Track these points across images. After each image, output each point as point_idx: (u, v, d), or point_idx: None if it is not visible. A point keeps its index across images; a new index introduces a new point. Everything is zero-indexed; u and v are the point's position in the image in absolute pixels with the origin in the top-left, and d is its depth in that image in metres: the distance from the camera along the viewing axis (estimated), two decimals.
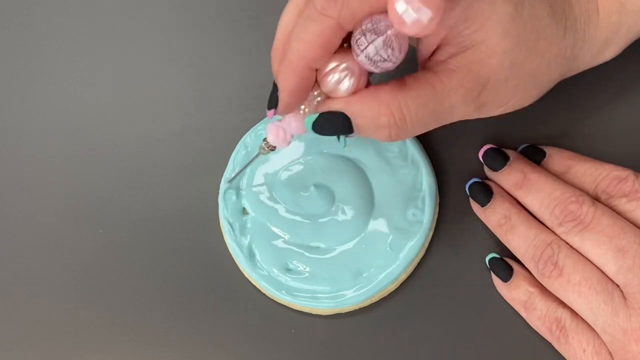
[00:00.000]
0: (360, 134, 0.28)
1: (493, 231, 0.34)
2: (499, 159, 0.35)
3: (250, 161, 0.34)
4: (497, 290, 0.34)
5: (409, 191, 0.35)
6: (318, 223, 0.36)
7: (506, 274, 0.33)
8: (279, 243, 0.36)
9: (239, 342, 0.36)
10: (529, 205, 0.33)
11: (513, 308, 0.34)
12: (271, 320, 0.36)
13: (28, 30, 0.42)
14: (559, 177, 0.34)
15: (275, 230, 0.36)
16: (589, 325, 0.31)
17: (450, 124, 0.37)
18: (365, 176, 0.36)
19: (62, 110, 0.40)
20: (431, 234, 0.35)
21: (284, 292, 0.35)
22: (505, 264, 0.34)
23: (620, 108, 0.36)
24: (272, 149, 0.31)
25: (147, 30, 0.41)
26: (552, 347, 0.32)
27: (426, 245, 0.35)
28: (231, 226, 0.36)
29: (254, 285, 0.36)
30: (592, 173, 0.33)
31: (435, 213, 0.36)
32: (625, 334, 0.29)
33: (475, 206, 0.35)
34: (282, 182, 0.36)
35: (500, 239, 0.34)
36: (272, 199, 0.36)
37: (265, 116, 0.38)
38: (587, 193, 0.32)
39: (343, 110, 0.27)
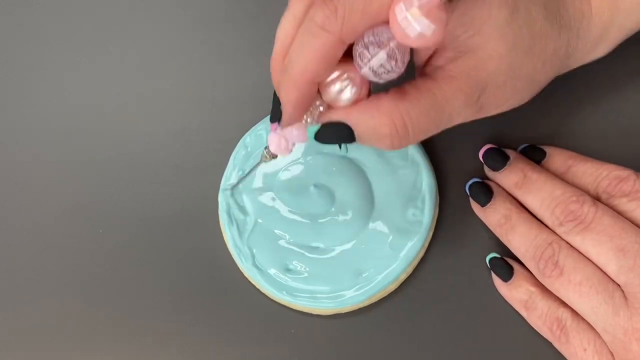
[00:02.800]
0: (362, 143, 0.28)
1: (493, 231, 0.34)
2: (499, 158, 0.35)
3: (252, 169, 0.34)
4: (497, 290, 0.34)
5: (409, 191, 0.35)
6: (318, 223, 0.36)
7: (507, 274, 0.33)
8: (278, 243, 0.36)
9: (239, 342, 0.35)
10: (529, 205, 0.33)
11: (513, 308, 0.34)
12: (271, 320, 0.36)
13: (28, 30, 0.42)
14: (560, 177, 0.34)
15: (275, 230, 0.36)
16: (589, 325, 0.31)
17: None
18: (365, 176, 0.36)
19: (62, 110, 0.40)
20: (431, 234, 0.35)
21: (284, 292, 0.35)
22: (506, 263, 0.34)
23: (620, 108, 0.36)
24: (274, 156, 0.31)
25: (147, 30, 0.41)
26: (553, 346, 0.32)
27: (426, 245, 0.35)
28: (231, 226, 0.36)
29: (254, 285, 0.36)
30: (592, 173, 0.33)
31: (435, 213, 0.36)
32: (626, 334, 0.29)
33: (475, 206, 0.35)
34: (282, 182, 0.36)
35: (501, 239, 0.34)
36: (272, 199, 0.36)
37: (265, 116, 0.38)
38: (587, 193, 0.32)
39: (345, 121, 0.28)
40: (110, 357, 0.36)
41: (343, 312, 0.35)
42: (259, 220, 0.36)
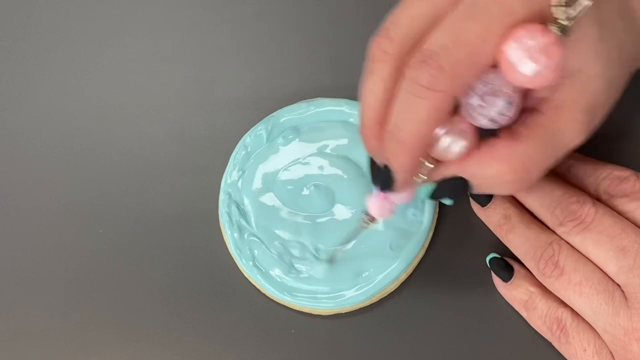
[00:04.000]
0: (480, 191, 0.27)
1: (493, 231, 0.34)
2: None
3: (351, 239, 0.34)
4: (497, 290, 0.34)
5: None
6: (318, 223, 0.36)
7: (507, 274, 0.33)
8: (278, 243, 0.36)
9: (239, 342, 0.35)
10: (529, 205, 0.33)
11: (513, 308, 0.34)
12: (271, 320, 0.36)
13: (28, 30, 0.42)
14: (560, 177, 0.34)
15: (275, 230, 0.36)
16: (589, 325, 0.31)
17: None
18: (365, 176, 0.36)
19: (62, 110, 0.40)
20: (431, 234, 0.35)
21: (284, 292, 0.35)
22: (506, 263, 0.34)
23: (620, 108, 0.36)
24: (375, 221, 0.30)
25: (147, 30, 0.41)
26: (553, 347, 0.32)
27: (426, 245, 0.35)
28: (231, 226, 0.36)
29: (254, 285, 0.36)
30: (592, 173, 0.33)
31: (435, 213, 0.36)
32: (626, 334, 0.29)
33: (475, 206, 0.35)
34: (282, 182, 0.36)
35: (501, 239, 0.34)
36: (272, 199, 0.36)
37: (264, 116, 0.38)
38: (587, 193, 0.32)
39: (461, 174, 0.27)
40: (110, 357, 0.36)
41: (343, 312, 0.35)
42: (259, 221, 0.36)
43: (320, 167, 0.36)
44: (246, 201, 0.36)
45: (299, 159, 0.37)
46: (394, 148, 0.26)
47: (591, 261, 0.31)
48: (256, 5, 0.40)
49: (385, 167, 0.27)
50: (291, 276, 0.35)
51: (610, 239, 0.30)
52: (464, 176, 0.27)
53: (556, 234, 0.32)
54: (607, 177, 0.32)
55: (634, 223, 0.31)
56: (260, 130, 0.37)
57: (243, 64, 0.39)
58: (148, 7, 0.41)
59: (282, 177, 0.37)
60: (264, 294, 0.36)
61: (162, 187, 0.38)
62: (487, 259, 0.35)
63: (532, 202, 0.33)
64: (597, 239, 0.30)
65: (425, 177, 0.27)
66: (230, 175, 0.37)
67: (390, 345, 0.35)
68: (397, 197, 0.29)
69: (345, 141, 0.37)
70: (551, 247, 0.31)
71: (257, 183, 0.37)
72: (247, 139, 0.37)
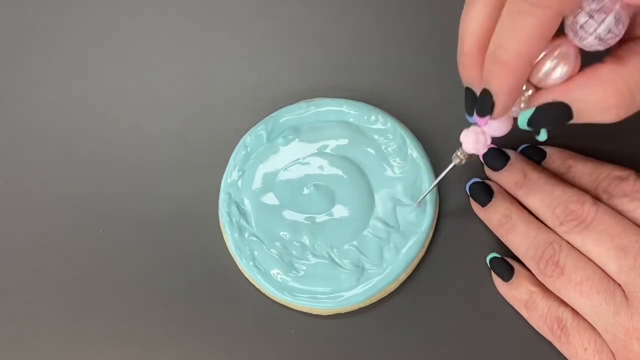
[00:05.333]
0: (581, 119, 0.27)
1: (493, 231, 0.34)
2: (499, 158, 0.35)
3: (441, 177, 0.33)
4: (497, 290, 0.34)
5: (409, 191, 0.35)
6: (318, 223, 0.36)
7: (507, 274, 0.33)
8: (278, 243, 0.36)
9: (239, 342, 0.35)
10: (529, 205, 0.33)
11: (514, 308, 0.34)
12: (271, 320, 0.36)
13: (28, 30, 0.42)
14: (560, 177, 0.34)
15: (275, 230, 0.36)
16: (590, 324, 0.31)
17: (450, 123, 0.37)
18: (365, 176, 0.36)
19: (62, 110, 0.40)
20: (431, 234, 0.35)
21: (284, 292, 0.35)
22: (506, 263, 0.34)
23: None
24: (469, 157, 0.30)
25: (147, 30, 0.41)
26: (553, 346, 0.32)
27: (426, 245, 0.35)
28: (231, 226, 0.36)
29: (254, 285, 0.36)
30: (592, 173, 0.33)
31: (435, 213, 0.36)
32: (627, 333, 0.29)
33: (475, 206, 0.35)
34: (282, 182, 0.36)
35: (501, 239, 0.34)
36: (272, 199, 0.36)
37: (264, 116, 0.38)
38: (587, 193, 0.32)
39: (563, 99, 0.26)
40: (109, 357, 0.36)
41: (343, 312, 0.35)
42: (259, 221, 0.36)
43: (320, 167, 0.36)
44: (246, 201, 0.36)
45: (299, 159, 0.37)
46: (496, 69, 0.25)
47: (592, 261, 0.31)
48: (256, 5, 0.40)
49: (485, 91, 0.26)
50: (291, 276, 0.35)
51: (611, 239, 0.30)
52: (566, 101, 0.26)
53: (556, 233, 0.32)
54: (607, 177, 0.32)
55: (635, 223, 0.31)
56: (260, 130, 0.37)
57: (243, 64, 0.39)
58: (148, 7, 0.41)
59: (282, 177, 0.36)
60: (264, 294, 0.36)
61: (162, 187, 0.38)
62: (487, 258, 0.35)
63: (532, 201, 0.33)
64: (597, 239, 0.30)
65: (524, 105, 0.27)
66: (231, 175, 0.37)
67: (390, 345, 0.35)
68: (493, 130, 0.28)
69: (345, 141, 0.37)
70: (551, 246, 0.31)
71: (257, 183, 0.37)
72: (247, 139, 0.37)
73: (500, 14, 0.25)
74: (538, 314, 0.32)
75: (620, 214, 0.31)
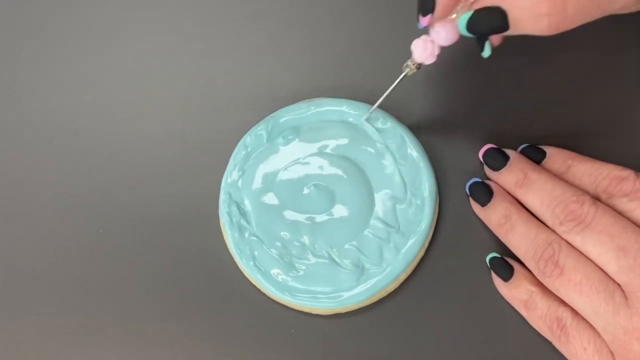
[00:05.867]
0: (517, 28, 0.27)
1: (493, 231, 0.34)
2: (499, 158, 0.35)
3: (396, 83, 0.33)
4: (497, 290, 0.34)
5: (409, 191, 0.35)
6: (318, 223, 0.36)
7: (507, 274, 0.33)
8: (279, 243, 0.36)
9: (239, 342, 0.35)
10: (529, 204, 0.33)
11: (513, 308, 0.34)
12: (271, 320, 0.36)
13: (28, 29, 0.42)
14: (559, 177, 0.34)
15: (276, 230, 0.36)
16: (589, 324, 0.31)
17: (450, 123, 0.37)
18: (365, 176, 0.36)
19: (62, 110, 0.40)
20: (431, 234, 0.35)
21: (284, 292, 0.35)
22: (506, 263, 0.34)
23: (620, 108, 0.36)
24: (418, 66, 0.30)
25: (147, 30, 0.41)
26: (553, 346, 0.32)
27: (426, 245, 0.35)
28: (232, 226, 0.36)
29: (254, 285, 0.36)
30: (592, 173, 0.33)
31: (435, 213, 0.36)
32: (627, 333, 0.29)
33: (475, 206, 0.35)
34: (282, 182, 0.36)
35: (501, 239, 0.34)
36: (272, 199, 0.36)
37: (264, 116, 0.38)
38: (587, 193, 0.32)
39: (499, 4, 0.27)
40: (109, 357, 0.36)
41: (343, 312, 0.35)
42: (260, 220, 0.36)
43: (320, 167, 0.36)
44: (246, 201, 0.36)
45: (299, 159, 0.37)
46: None
47: (591, 260, 0.31)
48: (256, 5, 0.40)
49: None
50: (291, 276, 0.35)
51: (611, 238, 0.30)
52: (502, 6, 0.27)
53: (556, 233, 0.32)
54: (607, 177, 0.32)
55: (634, 222, 0.31)
56: (260, 130, 0.37)
57: (243, 64, 0.39)
58: (148, 7, 0.41)
59: (282, 177, 0.36)
60: (264, 294, 0.36)
61: (163, 187, 0.38)
62: (487, 258, 0.35)
63: (532, 201, 0.33)
64: (597, 238, 0.30)
65: (465, 9, 0.27)
66: (231, 175, 0.37)
67: (390, 345, 0.35)
68: (440, 38, 0.29)
69: (345, 141, 0.37)
70: (551, 246, 0.31)
71: (258, 183, 0.37)
72: (247, 139, 0.37)
73: None
74: (538, 313, 0.32)
75: (619, 213, 0.31)
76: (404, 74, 0.31)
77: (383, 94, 0.34)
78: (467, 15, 0.28)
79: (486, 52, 0.30)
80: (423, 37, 0.29)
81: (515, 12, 0.27)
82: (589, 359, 0.30)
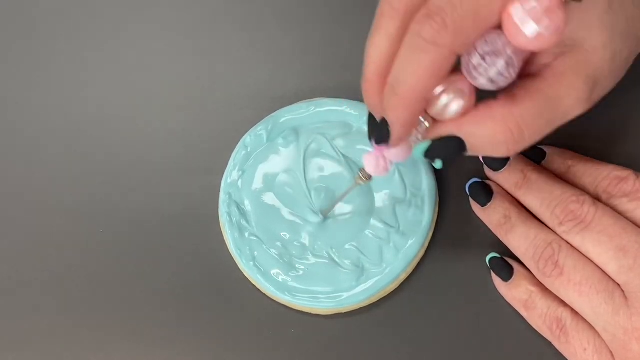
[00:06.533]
0: (474, 153, 0.27)
1: (493, 231, 0.34)
2: (499, 159, 0.35)
3: (345, 194, 0.34)
4: (497, 290, 0.34)
5: (409, 191, 0.35)
6: (318, 223, 0.36)
7: (507, 274, 0.33)
8: (279, 243, 0.36)
9: (239, 342, 0.35)
10: (529, 205, 0.33)
11: (513, 308, 0.34)
12: (271, 320, 0.36)
13: (29, 30, 0.42)
14: (560, 177, 0.34)
15: (276, 230, 0.36)
16: (589, 324, 0.31)
17: None
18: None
19: (63, 110, 0.40)
20: (431, 234, 0.35)
21: (284, 292, 0.35)
22: (506, 263, 0.34)
23: (620, 108, 0.36)
24: (370, 178, 0.30)
25: (147, 30, 0.41)
26: (553, 346, 0.32)
27: (426, 245, 0.35)
28: (232, 226, 0.36)
29: (254, 285, 0.36)
30: (592, 173, 0.33)
31: (435, 213, 0.36)
32: (626, 333, 0.29)
33: (475, 206, 0.35)
34: (283, 183, 0.36)
35: (501, 239, 0.34)
36: (272, 199, 0.36)
37: (265, 116, 0.38)
38: (587, 193, 0.32)
39: (456, 134, 0.27)
40: (109, 357, 0.36)
41: (343, 312, 0.35)
42: (260, 221, 0.36)
43: (320, 168, 0.36)
44: (246, 201, 0.36)
45: (298, 159, 0.37)
46: (392, 101, 0.26)
47: (591, 261, 0.31)
48: (256, 5, 0.40)
49: (383, 120, 0.27)
50: (291, 276, 0.35)
51: (610, 239, 0.30)
52: (459, 135, 0.27)
53: (556, 233, 0.32)
54: (607, 177, 0.32)
55: (634, 223, 0.31)
56: (260, 130, 0.37)
57: (243, 64, 0.39)
58: (148, 8, 0.41)
59: (282, 177, 0.36)
60: (264, 294, 0.36)
61: (163, 187, 0.38)
62: (487, 258, 0.35)
63: (532, 201, 0.33)
64: (597, 239, 0.30)
65: (421, 136, 0.28)
66: (231, 175, 0.37)
67: (390, 345, 0.35)
68: (392, 155, 0.29)
69: (345, 141, 0.37)
70: (551, 246, 0.31)
71: (258, 183, 0.37)
72: (247, 139, 0.37)
73: (401, 45, 0.25)
74: (537, 313, 0.32)
75: (620, 214, 0.31)
76: (354, 184, 0.32)
77: None
78: (425, 144, 0.28)
79: (437, 165, 0.31)
80: (374, 152, 0.29)
81: (473, 141, 0.27)
82: (589, 359, 0.30)
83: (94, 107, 0.40)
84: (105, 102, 0.40)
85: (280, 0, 0.40)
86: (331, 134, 0.37)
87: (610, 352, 0.30)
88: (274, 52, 0.39)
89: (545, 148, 0.35)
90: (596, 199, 0.32)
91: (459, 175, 0.36)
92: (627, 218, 0.31)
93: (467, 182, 0.36)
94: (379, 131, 0.27)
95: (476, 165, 0.36)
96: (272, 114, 0.38)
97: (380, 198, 0.36)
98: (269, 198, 0.36)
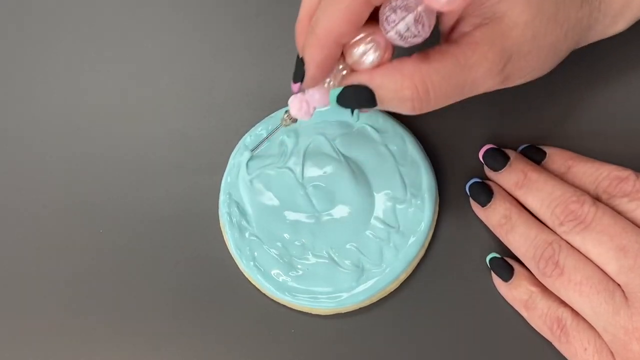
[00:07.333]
0: (383, 106, 0.28)
1: (493, 231, 0.34)
2: (499, 159, 0.35)
3: (271, 133, 0.34)
4: (497, 290, 0.34)
5: (409, 191, 0.35)
6: (318, 223, 0.36)
7: (507, 274, 0.33)
8: (278, 243, 0.36)
9: (239, 342, 0.35)
10: (529, 205, 0.33)
11: (513, 308, 0.34)
12: (271, 320, 0.36)
13: (29, 30, 0.42)
14: (560, 177, 0.34)
15: (276, 230, 0.36)
16: (590, 324, 0.31)
17: (450, 123, 0.37)
18: (364, 176, 0.36)
19: (63, 111, 0.40)
20: (431, 233, 0.35)
21: (284, 292, 0.35)
22: (506, 263, 0.34)
23: (620, 108, 0.36)
24: (294, 121, 0.32)
25: (147, 30, 0.41)
26: (553, 346, 0.32)
27: (426, 244, 0.35)
28: (231, 226, 0.36)
29: (254, 285, 0.36)
30: (592, 173, 0.33)
31: (435, 213, 0.36)
32: (627, 333, 0.29)
33: (475, 206, 0.35)
34: (283, 182, 0.36)
35: (501, 239, 0.34)
36: (272, 199, 0.36)
37: (265, 116, 0.38)
38: (587, 193, 0.32)
39: (367, 84, 0.28)
40: (110, 357, 0.36)
41: (343, 312, 0.35)
42: (260, 221, 0.36)
43: (320, 168, 0.36)
44: (246, 201, 0.36)
45: (298, 159, 0.37)
46: (310, 40, 0.27)
47: (591, 261, 0.31)
48: (256, 5, 0.40)
49: (300, 60, 0.28)
50: (291, 276, 0.35)
51: (611, 239, 0.30)
52: (369, 85, 0.28)
53: (556, 233, 0.32)
54: (607, 177, 0.32)
55: (634, 223, 0.31)
56: (260, 130, 0.37)
57: (243, 64, 0.39)
58: (148, 8, 0.41)
59: (282, 177, 0.36)
60: (264, 294, 0.36)
61: (163, 187, 0.38)
62: (487, 258, 0.35)
63: (532, 201, 0.33)
64: (597, 239, 0.30)
65: (336, 82, 0.29)
66: (230, 175, 0.37)
67: (390, 345, 0.35)
68: (313, 100, 0.30)
69: (345, 141, 0.37)
70: (551, 246, 0.31)
71: (258, 183, 0.37)
72: (247, 139, 0.37)
73: None
74: (538, 314, 0.32)
75: (620, 214, 0.31)
76: (278, 125, 0.33)
77: None
78: (337, 90, 0.29)
79: (354, 118, 0.33)
80: (299, 95, 0.30)
81: (381, 92, 0.28)
82: (589, 359, 0.30)
83: (94, 107, 0.40)
84: (105, 102, 0.40)
85: (280, 0, 0.40)
86: (331, 133, 0.37)
87: (611, 352, 0.30)
88: (274, 52, 0.39)
89: (545, 148, 0.35)
90: (596, 199, 0.32)
91: (459, 175, 0.36)
92: (627, 218, 0.31)
93: (467, 182, 0.36)
94: (296, 70, 0.29)
95: (476, 165, 0.36)
96: (272, 114, 0.38)
97: (381, 198, 0.36)
98: (269, 198, 0.36)
